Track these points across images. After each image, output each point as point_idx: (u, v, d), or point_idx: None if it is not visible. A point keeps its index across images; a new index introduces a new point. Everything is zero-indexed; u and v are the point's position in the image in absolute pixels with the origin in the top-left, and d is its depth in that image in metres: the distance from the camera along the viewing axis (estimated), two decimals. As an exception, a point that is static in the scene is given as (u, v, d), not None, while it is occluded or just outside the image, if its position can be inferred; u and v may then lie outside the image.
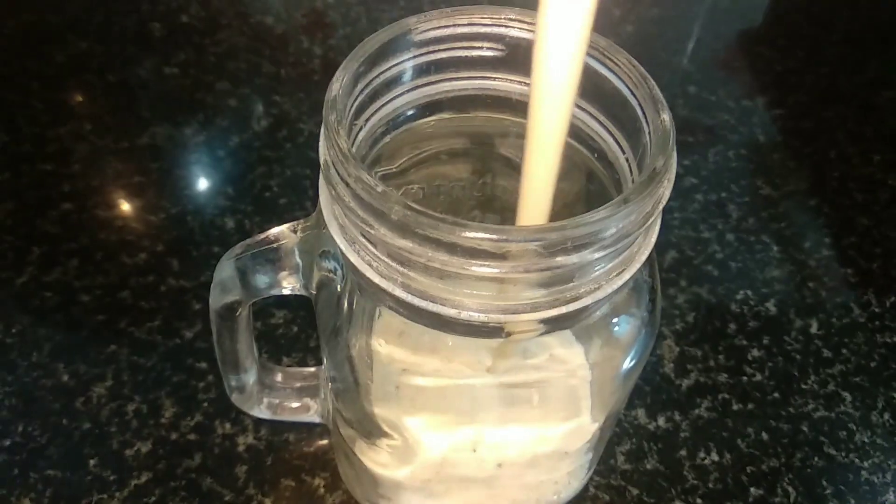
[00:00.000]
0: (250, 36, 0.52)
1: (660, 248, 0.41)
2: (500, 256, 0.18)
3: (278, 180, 0.43)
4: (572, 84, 0.19)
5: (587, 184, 0.24)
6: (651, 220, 0.19)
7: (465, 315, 0.19)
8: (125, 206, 0.42)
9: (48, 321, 0.37)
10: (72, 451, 0.33)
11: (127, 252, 0.39)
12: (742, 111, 0.50)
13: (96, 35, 0.51)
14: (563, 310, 0.19)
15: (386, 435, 0.26)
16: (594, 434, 0.27)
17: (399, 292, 0.19)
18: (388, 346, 0.23)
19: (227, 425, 0.33)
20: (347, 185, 0.19)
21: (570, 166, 0.24)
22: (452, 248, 0.18)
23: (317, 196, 0.22)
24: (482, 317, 0.19)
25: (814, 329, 0.39)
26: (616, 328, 0.24)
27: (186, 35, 0.51)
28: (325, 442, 0.33)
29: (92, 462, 0.32)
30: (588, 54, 0.21)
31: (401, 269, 0.19)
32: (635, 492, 0.32)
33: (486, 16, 0.23)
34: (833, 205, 0.45)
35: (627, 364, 0.24)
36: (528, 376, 0.25)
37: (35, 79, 0.48)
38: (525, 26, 0.23)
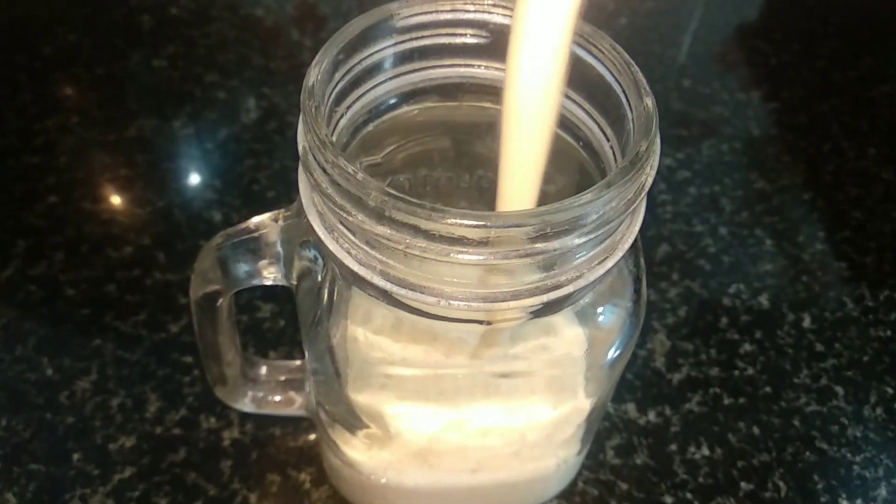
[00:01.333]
0: (240, 28, 0.51)
1: (652, 241, 0.41)
2: (480, 243, 0.18)
3: (266, 173, 0.42)
4: (558, 72, 0.19)
5: (578, 176, 0.24)
6: (634, 207, 0.19)
7: (444, 303, 0.19)
8: (112, 199, 0.42)
9: (33, 315, 0.36)
10: (55, 446, 0.32)
11: (113, 245, 0.39)
12: (737, 105, 0.49)
13: (85, 28, 0.51)
14: (545, 298, 0.19)
15: (367, 426, 0.25)
16: (581, 424, 0.26)
17: (378, 280, 0.19)
18: (367, 336, 0.23)
19: (213, 420, 0.33)
20: (325, 171, 0.19)
21: (563, 159, 0.24)
22: (431, 235, 0.18)
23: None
24: (462, 305, 0.19)
25: (806, 323, 0.38)
26: (601, 317, 0.23)
27: (175, 27, 0.51)
28: (311, 436, 0.33)
29: (76, 456, 0.32)
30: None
31: (379, 256, 0.19)
32: (625, 486, 0.32)
33: (468, 2, 0.22)
34: (827, 199, 0.44)
35: (612, 354, 0.24)
36: (516, 363, 0.25)
37: (23, 72, 0.47)
38: (508, 13, 0.22)
